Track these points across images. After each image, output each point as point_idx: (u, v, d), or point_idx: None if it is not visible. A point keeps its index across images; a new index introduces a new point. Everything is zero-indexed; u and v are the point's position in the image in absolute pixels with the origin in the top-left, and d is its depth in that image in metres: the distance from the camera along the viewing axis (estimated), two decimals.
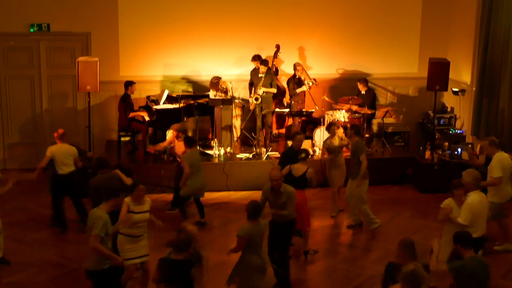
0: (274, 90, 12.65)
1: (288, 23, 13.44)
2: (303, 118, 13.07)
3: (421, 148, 12.66)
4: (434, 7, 13.91)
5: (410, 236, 9.82)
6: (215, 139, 12.32)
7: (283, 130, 13.67)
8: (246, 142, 13.01)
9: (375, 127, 13.67)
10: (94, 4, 12.76)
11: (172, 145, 11.22)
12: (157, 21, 13.05)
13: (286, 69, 13.53)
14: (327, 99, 13.00)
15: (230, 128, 12.50)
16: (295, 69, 13.00)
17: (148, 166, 11.88)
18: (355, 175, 9.86)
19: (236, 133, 12.97)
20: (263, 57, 12.81)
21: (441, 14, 13.93)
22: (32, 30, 12.62)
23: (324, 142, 10.70)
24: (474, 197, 7.51)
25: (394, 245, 9.44)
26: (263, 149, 12.40)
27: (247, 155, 12.21)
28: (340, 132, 11.68)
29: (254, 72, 12.75)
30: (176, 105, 12.25)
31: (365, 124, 12.64)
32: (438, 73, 12.04)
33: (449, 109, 13.95)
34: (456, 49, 13.70)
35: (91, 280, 6.96)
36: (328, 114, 12.90)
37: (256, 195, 10.93)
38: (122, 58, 13.05)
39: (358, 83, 13.24)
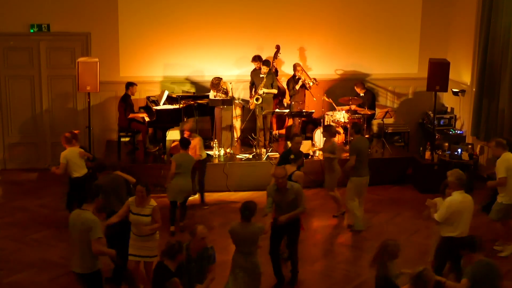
0: (275, 91, 12.65)
1: (288, 24, 13.44)
2: (303, 118, 13.07)
3: (421, 148, 12.66)
4: (434, 7, 13.91)
5: (410, 236, 9.92)
6: (215, 140, 12.32)
7: (283, 131, 13.67)
8: (246, 143, 13.02)
9: (375, 128, 13.69)
10: (94, 4, 12.76)
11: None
12: (157, 21, 13.05)
13: (286, 70, 13.52)
14: (327, 99, 13.00)
15: (230, 128, 12.50)
16: (294, 69, 13.00)
17: (148, 166, 11.88)
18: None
19: (236, 133, 12.98)
20: (263, 57, 12.80)
21: (441, 14, 13.93)
22: (32, 30, 12.62)
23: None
24: (455, 197, 7.52)
25: None
26: (263, 150, 12.40)
27: (247, 155, 12.21)
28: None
29: (255, 72, 12.75)
30: (176, 106, 12.25)
31: (365, 125, 12.64)
32: (438, 73, 12.04)
33: (449, 110, 13.94)
34: (456, 49, 13.71)
35: (83, 283, 6.91)
36: (328, 115, 12.91)
37: (256, 195, 11.03)
38: (122, 59, 13.05)
39: (355, 87, 13.24)
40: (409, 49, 14.04)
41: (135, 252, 7.75)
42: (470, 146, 12.16)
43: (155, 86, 13.24)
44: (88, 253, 6.66)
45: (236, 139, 12.90)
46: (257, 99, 12.36)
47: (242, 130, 13.18)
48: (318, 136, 12.46)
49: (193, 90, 13.33)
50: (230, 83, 12.65)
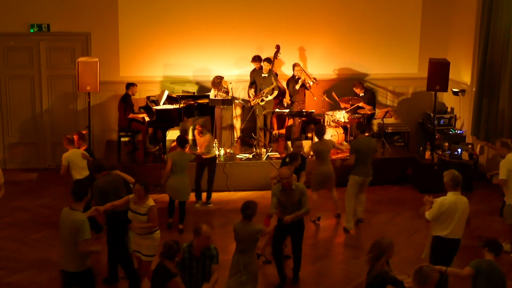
0: (275, 93, 12.67)
1: (288, 24, 13.44)
2: (303, 118, 13.07)
3: (421, 148, 12.67)
4: (434, 7, 13.91)
5: (410, 236, 9.92)
6: (215, 140, 12.31)
7: (283, 131, 13.68)
8: (246, 143, 13.02)
9: (375, 127, 13.69)
10: (94, 4, 12.76)
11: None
12: (157, 21, 13.05)
13: (286, 70, 13.51)
14: (327, 99, 13.01)
15: (230, 128, 12.50)
16: (293, 69, 13.01)
17: (148, 166, 11.88)
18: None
19: (236, 133, 12.98)
20: (263, 57, 12.78)
21: (441, 14, 13.93)
22: (32, 30, 12.62)
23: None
24: (448, 197, 7.51)
25: (394, 245, 9.53)
26: (263, 150, 12.41)
27: (247, 155, 12.22)
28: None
29: (257, 72, 12.74)
30: (176, 106, 12.25)
31: (356, 124, 12.61)
32: (438, 73, 12.04)
33: (449, 110, 13.95)
34: (456, 49, 13.70)
35: (72, 282, 6.94)
36: (328, 114, 12.91)
37: (256, 195, 11.05)
38: (122, 58, 13.06)
39: (354, 88, 13.24)
40: (409, 49, 14.03)
41: (135, 248, 7.83)
42: (470, 146, 12.16)
43: (155, 86, 13.24)
44: (78, 252, 6.73)
45: (236, 139, 12.90)
46: (262, 100, 12.39)
47: (242, 130, 13.18)
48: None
49: (193, 90, 13.33)
50: (230, 83, 12.65)
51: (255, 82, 12.71)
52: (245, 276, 7.24)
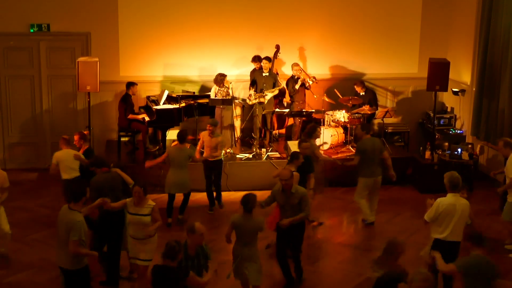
0: (276, 91, 12.67)
1: (288, 24, 13.44)
2: (303, 118, 13.07)
3: (421, 148, 12.66)
4: (434, 7, 13.91)
5: (410, 236, 9.92)
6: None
7: (283, 131, 13.68)
8: (246, 143, 13.02)
9: (375, 127, 13.68)
10: (94, 4, 12.77)
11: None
12: (157, 21, 13.04)
13: (287, 70, 13.50)
14: (327, 99, 13.00)
15: (230, 128, 12.50)
16: (292, 69, 13.01)
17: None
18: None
19: (236, 133, 12.98)
20: (263, 57, 12.80)
21: (441, 14, 13.93)
22: (32, 30, 12.62)
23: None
24: (446, 198, 7.51)
25: None
26: (263, 150, 12.41)
27: (247, 155, 12.21)
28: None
29: (257, 72, 12.74)
30: (176, 105, 12.25)
31: (360, 125, 12.62)
32: (438, 73, 12.04)
33: (449, 109, 13.95)
34: (456, 49, 13.70)
35: (67, 278, 6.99)
36: (328, 114, 12.91)
37: (256, 195, 10.99)
38: (122, 58, 13.06)
39: (355, 86, 13.24)
40: (409, 49, 14.03)
41: (132, 255, 7.73)
42: (470, 146, 12.16)
43: (155, 86, 13.25)
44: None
45: (236, 139, 12.90)
46: (262, 97, 12.39)
47: (242, 130, 13.18)
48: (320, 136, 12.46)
49: (193, 90, 13.32)
50: (230, 83, 12.65)
51: (256, 81, 12.70)
52: (249, 267, 7.32)
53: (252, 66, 12.92)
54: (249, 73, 13.01)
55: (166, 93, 12.39)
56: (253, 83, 12.77)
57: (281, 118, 13.25)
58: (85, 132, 10.28)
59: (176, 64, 13.28)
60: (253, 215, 7.33)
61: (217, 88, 12.41)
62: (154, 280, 6.19)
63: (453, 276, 7.04)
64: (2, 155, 12.90)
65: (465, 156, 11.89)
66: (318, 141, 12.33)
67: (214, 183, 10.97)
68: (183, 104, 12.30)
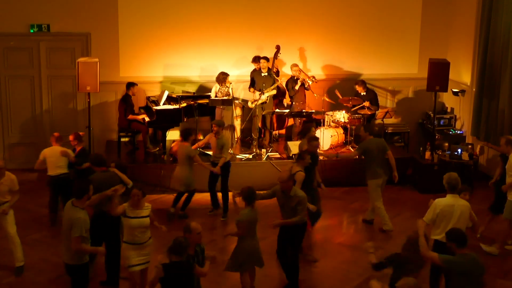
0: (274, 92, 12.66)
1: (288, 24, 13.44)
2: (304, 118, 13.07)
3: (421, 148, 12.67)
4: (434, 7, 13.91)
5: None
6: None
7: (283, 131, 13.68)
8: (246, 143, 13.02)
9: (375, 128, 13.65)
10: (94, 4, 12.77)
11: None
12: (157, 21, 13.05)
13: (288, 70, 13.50)
14: (327, 99, 13.01)
15: (231, 128, 12.50)
16: (291, 70, 13.02)
17: (148, 166, 11.88)
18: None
19: (236, 133, 12.98)
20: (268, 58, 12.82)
21: (441, 15, 13.94)
22: (32, 30, 12.62)
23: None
24: (444, 199, 7.49)
25: (394, 245, 9.54)
26: (263, 150, 12.41)
27: (247, 155, 12.21)
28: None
29: (256, 72, 12.75)
30: (176, 106, 12.25)
31: (363, 127, 12.62)
32: (438, 73, 12.04)
33: (449, 110, 13.95)
34: (456, 50, 13.71)
35: (70, 274, 7.09)
36: (328, 115, 12.91)
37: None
38: (122, 59, 13.06)
39: (356, 86, 13.23)
40: (409, 49, 14.04)
41: (139, 261, 7.56)
42: (470, 146, 12.16)
43: (155, 86, 13.25)
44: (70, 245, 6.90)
45: (236, 139, 12.90)
46: (263, 102, 12.40)
47: (242, 130, 13.18)
48: (318, 136, 12.45)
49: (193, 90, 13.31)
50: (230, 83, 12.65)
51: (255, 82, 12.71)
52: (257, 256, 7.67)
53: (253, 66, 12.91)
54: (249, 74, 13.00)
55: (166, 93, 12.39)
56: (253, 84, 12.77)
57: (281, 118, 13.25)
58: (81, 133, 10.28)
59: (176, 64, 13.28)
60: (256, 207, 7.61)
61: (218, 87, 12.41)
62: (167, 277, 6.17)
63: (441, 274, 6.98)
64: (2, 155, 12.88)
65: (465, 156, 11.89)
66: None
67: (221, 190, 10.72)
68: (183, 105, 12.30)
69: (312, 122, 13.24)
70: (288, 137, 13.36)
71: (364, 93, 13.21)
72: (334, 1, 13.66)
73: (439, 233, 7.43)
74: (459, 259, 6.28)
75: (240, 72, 13.36)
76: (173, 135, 13.13)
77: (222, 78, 12.38)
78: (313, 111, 12.88)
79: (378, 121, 13.36)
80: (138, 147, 12.56)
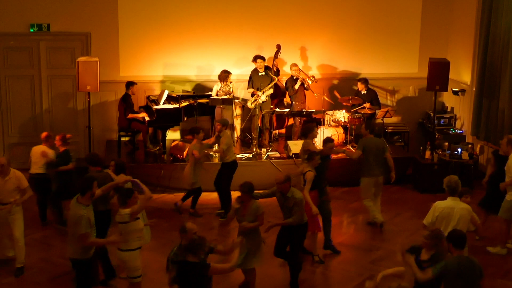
0: (271, 90, 12.63)
1: (289, 23, 13.43)
2: (304, 118, 13.07)
3: (421, 148, 12.66)
4: (434, 7, 13.91)
5: (410, 236, 9.92)
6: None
7: (283, 130, 13.68)
8: (246, 142, 13.02)
9: (375, 128, 13.66)
10: (94, 4, 12.76)
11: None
12: (157, 21, 13.04)
13: (288, 70, 13.49)
14: (327, 99, 13.00)
15: (231, 128, 12.49)
16: (291, 69, 13.02)
17: (148, 166, 11.88)
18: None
19: (236, 133, 12.97)
20: (265, 57, 12.81)
21: (441, 14, 13.93)
22: (32, 30, 12.62)
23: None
24: (444, 202, 7.48)
25: (394, 245, 9.54)
26: (263, 150, 12.41)
27: (247, 155, 12.21)
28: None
29: (254, 71, 12.74)
30: (176, 105, 12.25)
31: (365, 124, 12.63)
32: (438, 73, 12.04)
33: (449, 109, 13.95)
34: (456, 49, 13.70)
35: (75, 269, 7.22)
36: (328, 114, 12.91)
37: None
38: (122, 58, 13.05)
39: (359, 83, 13.21)
40: (409, 49, 14.03)
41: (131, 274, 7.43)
42: (470, 146, 12.16)
43: (155, 86, 13.25)
44: (76, 241, 7.02)
45: (236, 139, 12.90)
46: (262, 102, 12.40)
47: (242, 130, 13.18)
48: (319, 135, 12.43)
49: (192, 90, 13.30)
50: (230, 82, 12.65)
51: (253, 81, 12.69)
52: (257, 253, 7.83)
53: (253, 66, 12.90)
54: (250, 73, 12.99)
55: (166, 93, 12.38)
56: (251, 83, 12.74)
57: (281, 118, 13.25)
58: (67, 136, 10.19)
59: (176, 64, 13.28)
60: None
61: (219, 86, 12.41)
62: (179, 276, 6.19)
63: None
64: (2, 155, 12.88)
65: (465, 156, 11.89)
66: (318, 141, 12.38)
67: (223, 189, 10.68)
68: (183, 104, 12.30)
69: (312, 121, 13.32)
70: (288, 136, 13.35)
71: (365, 92, 13.19)
72: (334, 1, 13.64)
73: None
74: (452, 261, 6.24)
75: (240, 71, 13.35)
76: (173, 134, 13.14)
77: (224, 75, 12.38)
78: (313, 110, 12.88)
79: (378, 120, 13.35)
80: (138, 147, 12.56)
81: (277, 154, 12.32)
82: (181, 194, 11.05)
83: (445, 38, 13.96)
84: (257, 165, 11.96)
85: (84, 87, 11.39)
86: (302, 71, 13.13)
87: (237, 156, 12.15)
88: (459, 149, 11.95)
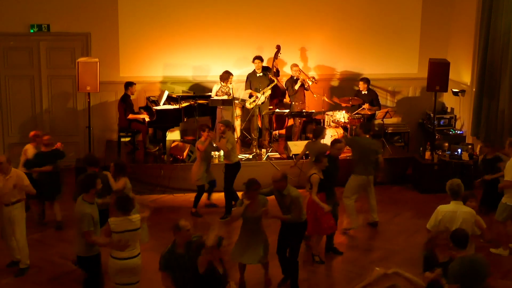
0: (269, 92, 12.61)
1: (289, 24, 13.44)
2: (303, 118, 13.06)
3: (421, 148, 12.67)
4: (434, 7, 13.91)
5: (410, 236, 9.92)
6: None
7: (283, 131, 13.67)
8: (246, 143, 13.02)
9: (375, 128, 13.67)
10: (94, 4, 12.76)
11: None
12: (157, 21, 13.04)
13: (288, 70, 13.49)
14: (327, 99, 13.00)
15: (231, 128, 12.49)
16: (291, 70, 13.02)
17: (148, 166, 11.87)
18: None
19: (236, 133, 12.97)
20: (264, 58, 12.82)
21: (441, 15, 13.93)
22: (32, 30, 12.62)
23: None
24: (447, 206, 7.46)
25: (394, 245, 9.55)
26: (263, 150, 12.41)
27: (247, 155, 12.21)
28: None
29: (252, 72, 12.74)
30: (176, 106, 12.25)
31: (359, 124, 12.63)
32: (438, 73, 12.04)
33: (449, 110, 13.95)
34: (456, 50, 13.71)
35: (81, 266, 7.28)
36: (328, 115, 12.90)
37: None
38: (122, 59, 13.05)
39: (361, 82, 13.22)
40: (409, 49, 14.03)
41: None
42: (470, 146, 12.16)
43: (155, 86, 13.24)
44: (81, 238, 7.08)
45: (236, 139, 12.88)
46: (262, 102, 12.40)
47: (241, 130, 13.18)
48: None
49: (192, 90, 13.29)
50: (231, 83, 12.64)
51: (251, 82, 12.69)
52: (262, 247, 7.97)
53: (253, 66, 12.89)
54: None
55: (166, 93, 12.38)
56: (249, 84, 12.72)
57: (281, 118, 13.24)
58: (58, 144, 10.07)
59: (176, 64, 13.27)
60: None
61: (219, 86, 12.41)
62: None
63: None
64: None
65: (465, 156, 11.88)
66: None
67: (224, 189, 10.68)
68: (183, 105, 12.30)
69: (312, 122, 13.33)
70: (288, 137, 13.35)
71: (366, 92, 13.19)
72: (334, 1, 13.65)
73: None
74: (455, 264, 6.20)
75: (240, 72, 13.33)
76: (173, 135, 13.14)
77: (226, 76, 12.38)
78: (313, 111, 12.88)
79: (378, 121, 13.36)
80: (138, 147, 12.55)
81: (277, 155, 12.31)
82: (181, 194, 11.06)
83: (445, 38, 13.96)
84: (257, 165, 11.94)
85: (84, 87, 11.38)
86: (303, 72, 13.12)
87: (238, 156, 12.18)
88: (459, 150, 11.95)
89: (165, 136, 12.38)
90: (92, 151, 11.61)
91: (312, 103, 13.31)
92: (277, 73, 13.09)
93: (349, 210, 10.07)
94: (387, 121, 13.38)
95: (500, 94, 12.08)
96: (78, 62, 11.40)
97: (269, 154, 12.24)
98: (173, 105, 12.33)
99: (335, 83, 13.87)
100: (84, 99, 12.44)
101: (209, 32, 13.19)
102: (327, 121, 12.86)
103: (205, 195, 10.91)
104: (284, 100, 13.27)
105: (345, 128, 12.89)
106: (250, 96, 12.61)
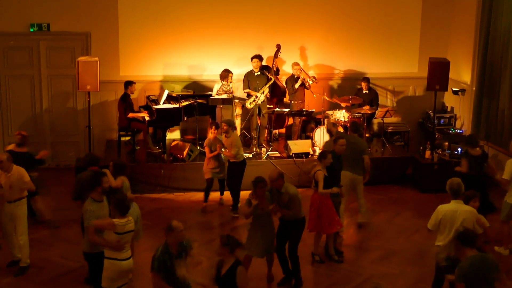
0: (267, 90, 12.59)
1: (289, 23, 13.43)
2: (304, 117, 13.06)
3: (421, 147, 12.66)
4: (434, 7, 13.90)
5: (410, 236, 9.92)
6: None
7: (283, 130, 13.67)
8: (246, 142, 13.01)
9: (375, 127, 13.68)
10: (94, 4, 12.76)
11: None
12: (157, 21, 13.04)
13: (288, 69, 13.50)
14: (327, 98, 13.00)
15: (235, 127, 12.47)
16: (292, 68, 13.01)
17: (148, 166, 11.87)
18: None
19: (237, 133, 12.95)
20: (264, 57, 12.82)
21: (441, 14, 13.93)
22: (32, 30, 12.62)
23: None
24: (447, 205, 7.44)
25: (394, 245, 9.55)
26: (263, 149, 12.40)
27: (247, 154, 12.20)
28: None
29: (249, 72, 12.72)
30: (176, 105, 12.25)
31: (365, 124, 12.64)
32: (438, 73, 12.04)
33: (449, 109, 13.95)
34: (456, 49, 13.70)
35: (87, 262, 7.47)
36: (328, 114, 12.89)
37: None
38: (122, 58, 13.05)
39: (362, 82, 13.23)
40: (409, 49, 14.03)
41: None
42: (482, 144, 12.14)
43: (155, 86, 13.24)
44: (86, 235, 7.28)
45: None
46: (262, 101, 12.40)
47: (241, 130, 13.17)
48: (318, 135, 12.46)
49: (193, 89, 13.29)
50: (231, 82, 12.64)
51: (249, 82, 12.68)
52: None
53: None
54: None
55: (166, 92, 12.38)
56: (247, 84, 12.71)
57: (281, 117, 13.24)
58: (43, 153, 9.99)
59: (176, 63, 13.27)
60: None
61: (220, 85, 12.41)
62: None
63: None
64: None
65: (477, 152, 11.83)
66: (319, 140, 12.37)
67: (233, 187, 10.73)
68: (183, 104, 12.30)
69: (311, 121, 13.33)
70: (288, 136, 13.35)
71: (367, 91, 13.20)
72: (334, 1, 13.64)
73: (443, 239, 7.33)
74: (466, 266, 6.21)
75: (240, 71, 13.32)
76: (173, 134, 13.13)
77: (225, 74, 12.38)
78: (313, 110, 12.87)
79: (378, 120, 13.36)
80: (138, 147, 12.55)
81: (277, 154, 12.31)
82: (181, 194, 11.04)
83: (445, 38, 13.96)
84: (257, 164, 11.94)
85: (84, 87, 11.38)
86: (304, 71, 13.12)
87: (244, 155, 12.18)
88: (459, 149, 11.95)
89: (165, 136, 12.38)
90: (92, 151, 11.60)
91: (311, 102, 13.31)
92: (277, 72, 13.09)
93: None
94: (387, 120, 13.38)
95: (500, 93, 12.08)
96: (78, 61, 11.39)
97: (269, 153, 12.24)
98: (173, 104, 12.32)
99: (334, 82, 13.86)
100: (84, 98, 12.44)
101: (209, 31, 13.19)
102: (327, 120, 12.85)
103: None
104: (284, 99, 13.27)
105: (345, 127, 12.87)
106: (249, 95, 12.60)
